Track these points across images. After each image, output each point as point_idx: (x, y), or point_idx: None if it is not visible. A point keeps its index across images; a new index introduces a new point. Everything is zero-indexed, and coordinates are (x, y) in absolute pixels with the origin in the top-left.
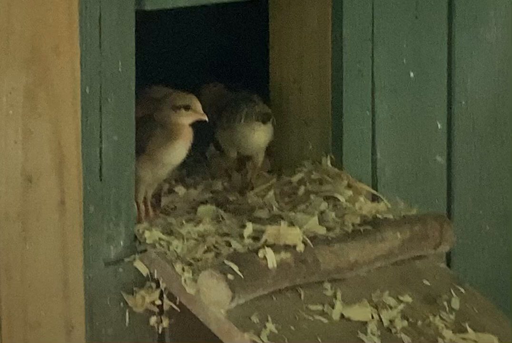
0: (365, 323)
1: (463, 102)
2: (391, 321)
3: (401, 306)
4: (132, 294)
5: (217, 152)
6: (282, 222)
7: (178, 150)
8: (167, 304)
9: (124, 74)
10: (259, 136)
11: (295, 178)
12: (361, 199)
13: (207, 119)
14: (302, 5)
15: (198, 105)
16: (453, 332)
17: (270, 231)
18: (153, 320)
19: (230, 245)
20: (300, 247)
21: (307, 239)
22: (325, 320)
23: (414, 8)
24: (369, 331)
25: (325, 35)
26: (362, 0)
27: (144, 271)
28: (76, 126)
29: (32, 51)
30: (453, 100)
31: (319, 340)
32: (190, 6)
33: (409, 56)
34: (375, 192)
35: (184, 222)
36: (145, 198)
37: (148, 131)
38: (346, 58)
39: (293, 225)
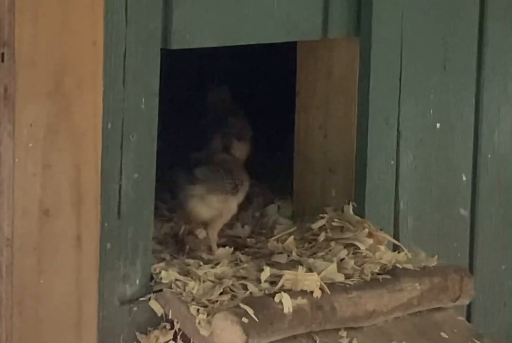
0: None
1: (489, 155)
2: None
3: None
4: (146, 334)
5: None
6: (300, 268)
7: None
8: None
9: (147, 111)
10: None
11: (316, 225)
12: (382, 248)
13: None
14: (330, 51)
15: None
16: None
17: (288, 276)
18: None
19: (246, 288)
20: (317, 293)
21: (324, 286)
22: None
23: (443, 59)
24: None
25: (352, 83)
26: (390, 49)
27: (159, 311)
28: (96, 162)
29: (55, 85)
30: (479, 153)
31: None
32: (216, 47)
33: (436, 107)
34: (396, 242)
35: (201, 263)
36: None
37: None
38: (372, 106)
39: (311, 271)
